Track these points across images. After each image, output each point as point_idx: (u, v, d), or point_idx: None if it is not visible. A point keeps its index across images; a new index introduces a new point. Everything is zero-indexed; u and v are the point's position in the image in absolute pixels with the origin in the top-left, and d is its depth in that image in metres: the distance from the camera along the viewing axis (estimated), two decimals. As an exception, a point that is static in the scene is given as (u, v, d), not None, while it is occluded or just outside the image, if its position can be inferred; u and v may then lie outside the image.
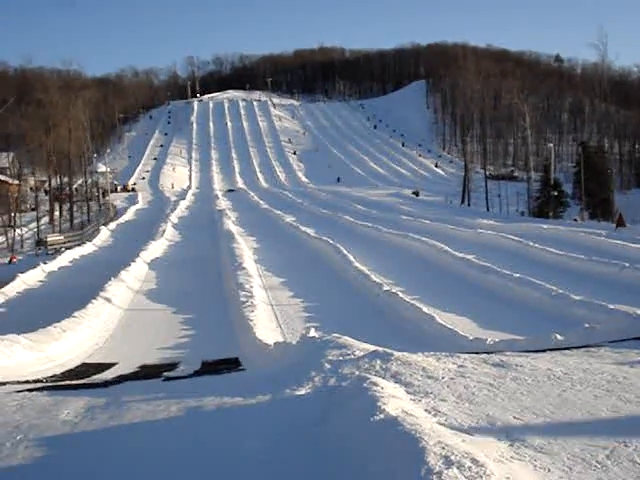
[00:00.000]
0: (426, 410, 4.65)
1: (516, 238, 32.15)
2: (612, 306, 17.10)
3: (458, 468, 3.29)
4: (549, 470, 3.68)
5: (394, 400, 4.58)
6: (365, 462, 3.85)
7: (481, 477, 3.26)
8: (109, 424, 5.87)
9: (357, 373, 6.03)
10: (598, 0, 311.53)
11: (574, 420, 4.57)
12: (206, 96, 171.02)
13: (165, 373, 11.14)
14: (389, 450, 3.75)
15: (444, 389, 5.37)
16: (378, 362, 6.41)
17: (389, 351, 6.96)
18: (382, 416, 4.22)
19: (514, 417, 4.60)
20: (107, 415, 6.19)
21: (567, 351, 8.21)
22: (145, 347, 15.57)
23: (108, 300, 20.04)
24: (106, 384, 9.27)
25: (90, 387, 9.00)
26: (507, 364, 6.34)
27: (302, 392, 5.97)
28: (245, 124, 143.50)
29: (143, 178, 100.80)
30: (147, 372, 11.74)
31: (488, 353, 8.18)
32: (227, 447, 4.85)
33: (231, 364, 11.79)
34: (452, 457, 3.41)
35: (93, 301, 19.12)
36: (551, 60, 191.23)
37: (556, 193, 60.37)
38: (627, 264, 23.55)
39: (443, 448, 3.48)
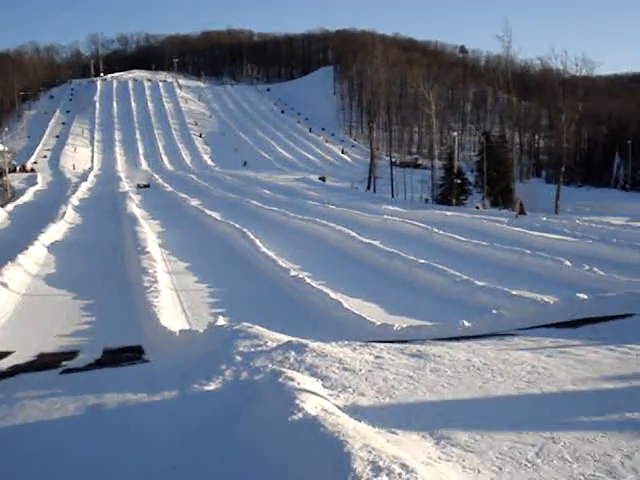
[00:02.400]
0: (345, 406, 4.38)
1: (421, 225, 32.56)
2: (515, 292, 17.49)
3: (387, 475, 3.03)
4: (479, 471, 3.47)
5: (312, 397, 4.28)
6: (284, 467, 3.54)
7: (412, 484, 3.02)
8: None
9: (271, 366, 5.70)
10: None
11: (499, 414, 4.40)
12: (110, 75, 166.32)
13: (64, 362, 10.62)
14: (311, 454, 3.46)
15: (362, 382, 5.12)
16: (292, 354, 6.10)
17: (303, 342, 6.66)
18: (301, 415, 3.92)
19: (437, 412, 4.39)
20: (-3, 415, 5.67)
21: (482, 340, 8.12)
22: (43, 334, 14.87)
23: (4, 285, 19.13)
24: (-2, 377, 8.70)
25: (-20, 380, 8.39)
26: (425, 354, 6.15)
27: (212, 387, 5.58)
28: (150, 105, 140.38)
29: (45, 156, 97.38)
30: (45, 361, 11.16)
31: (402, 342, 8.02)
32: (130, 449, 4.46)
33: (134, 352, 11.32)
34: (380, 462, 3.14)
35: (-13, 287, 18.23)
36: (456, 51, 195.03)
37: (459, 181, 61.53)
38: (528, 251, 24.18)
39: (370, 452, 3.21)
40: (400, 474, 3.04)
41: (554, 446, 3.84)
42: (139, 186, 64.51)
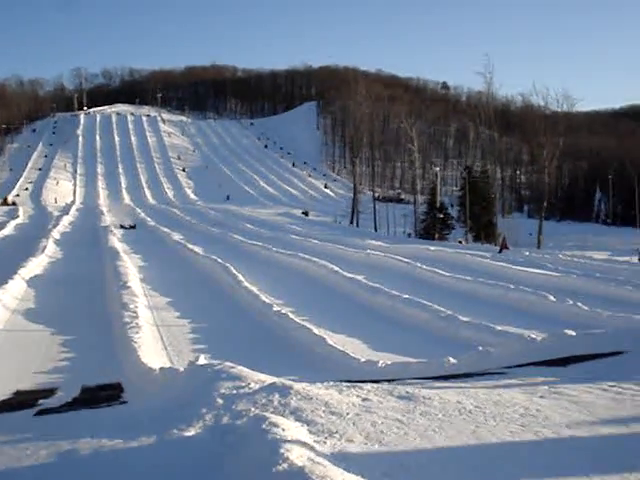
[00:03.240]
0: (333, 454, 4.15)
1: (405, 259, 32.48)
2: (500, 327, 17.37)
3: (380, 535, 2.83)
4: (476, 526, 3.27)
5: (298, 445, 4.05)
6: (268, 524, 3.33)
7: None
8: (-35, 474, 5.05)
9: (254, 410, 5.44)
10: (484, 30, 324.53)
11: (493, 461, 4.19)
12: (93, 109, 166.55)
13: (41, 400, 10.32)
14: (297, 510, 3.25)
15: (350, 427, 4.89)
16: (276, 396, 5.85)
17: (287, 383, 6.42)
18: (286, 466, 3.69)
19: (429, 459, 4.18)
20: (-36, 463, 5.35)
21: (471, 379, 7.93)
22: (21, 371, 14.49)
23: (-20, 320, 18.76)
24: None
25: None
26: (414, 396, 5.94)
27: (192, 433, 5.31)
28: (133, 139, 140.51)
29: (26, 189, 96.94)
30: (21, 400, 10.85)
31: (389, 381, 7.81)
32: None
33: (113, 390, 11.03)
34: (372, 520, 2.93)
35: (-37, 321, 17.86)
36: (438, 87, 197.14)
37: (441, 215, 61.81)
38: (512, 286, 24.11)
39: (360, 508, 3.01)
40: (393, 533, 2.84)
41: (553, 497, 3.64)
42: (123, 227, 56.22)
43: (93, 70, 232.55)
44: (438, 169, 71.08)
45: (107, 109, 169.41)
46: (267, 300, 21.98)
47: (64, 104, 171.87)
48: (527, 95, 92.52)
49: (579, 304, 20.42)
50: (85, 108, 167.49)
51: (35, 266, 31.40)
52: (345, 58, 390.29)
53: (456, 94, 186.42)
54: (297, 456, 3.82)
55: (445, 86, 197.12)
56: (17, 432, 6.35)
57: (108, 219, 62.44)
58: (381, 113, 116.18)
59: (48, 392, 11.60)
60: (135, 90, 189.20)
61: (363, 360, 14.42)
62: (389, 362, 13.58)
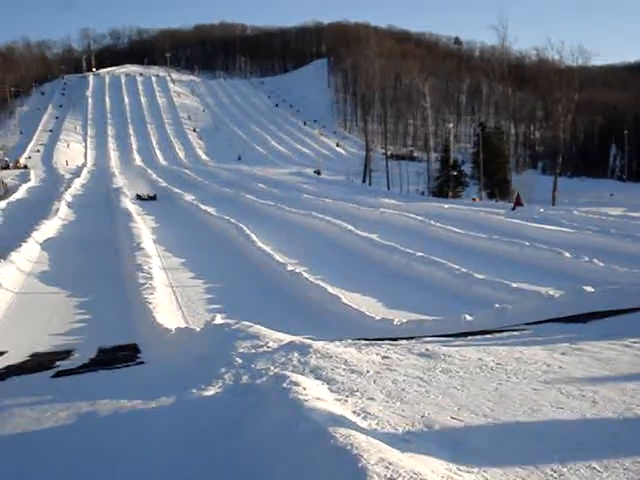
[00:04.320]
0: (354, 412, 4.08)
1: (418, 217, 32.41)
2: (515, 284, 17.32)
3: (408, 494, 2.77)
4: (502, 484, 3.20)
5: (320, 404, 3.99)
6: (292, 484, 3.27)
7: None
8: (-15, 437, 5.03)
9: (273, 369, 5.39)
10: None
11: (517, 419, 4.12)
12: (102, 70, 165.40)
13: (58, 362, 10.36)
14: (321, 470, 3.17)
15: (371, 385, 4.83)
16: (295, 355, 5.79)
17: (306, 342, 6.36)
18: (309, 425, 3.62)
19: (452, 417, 4.11)
20: (-17, 425, 5.34)
21: (491, 336, 7.86)
22: (38, 333, 14.64)
23: (-4, 283, 18.84)
24: (-13, 380, 8.38)
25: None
26: (434, 354, 5.87)
27: (211, 392, 5.26)
28: (143, 100, 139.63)
29: (38, 151, 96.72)
30: (38, 362, 10.90)
31: (408, 339, 7.76)
32: (124, 463, 4.16)
33: (130, 351, 11.06)
34: (399, 479, 2.87)
35: (-21, 285, 17.97)
36: (450, 42, 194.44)
37: (455, 173, 61.34)
38: (527, 243, 24.01)
39: (387, 467, 2.93)
40: (421, 492, 2.77)
41: (579, 454, 3.56)
42: (140, 197, 48.55)
43: (101, 30, 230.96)
44: (451, 126, 70.31)
45: (116, 70, 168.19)
46: (281, 260, 22.02)
47: (72, 66, 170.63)
48: (542, 49, 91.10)
49: (595, 260, 20.32)
50: (94, 69, 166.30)
51: (48, 229, 31.53)
52: (356, 14, 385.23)
53: (469, 49, 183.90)
54: (320, 415, 3.75)
55: (458, 41, 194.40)
56: (36, 394, 6.35)
57: (120, 181, 62.39)
58: (393, 69, 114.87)
59: (65, 354, 11.65)
60: (144, 50, 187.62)
61: (378, 318, 14.45)
62: (404, 320, 13.57)
